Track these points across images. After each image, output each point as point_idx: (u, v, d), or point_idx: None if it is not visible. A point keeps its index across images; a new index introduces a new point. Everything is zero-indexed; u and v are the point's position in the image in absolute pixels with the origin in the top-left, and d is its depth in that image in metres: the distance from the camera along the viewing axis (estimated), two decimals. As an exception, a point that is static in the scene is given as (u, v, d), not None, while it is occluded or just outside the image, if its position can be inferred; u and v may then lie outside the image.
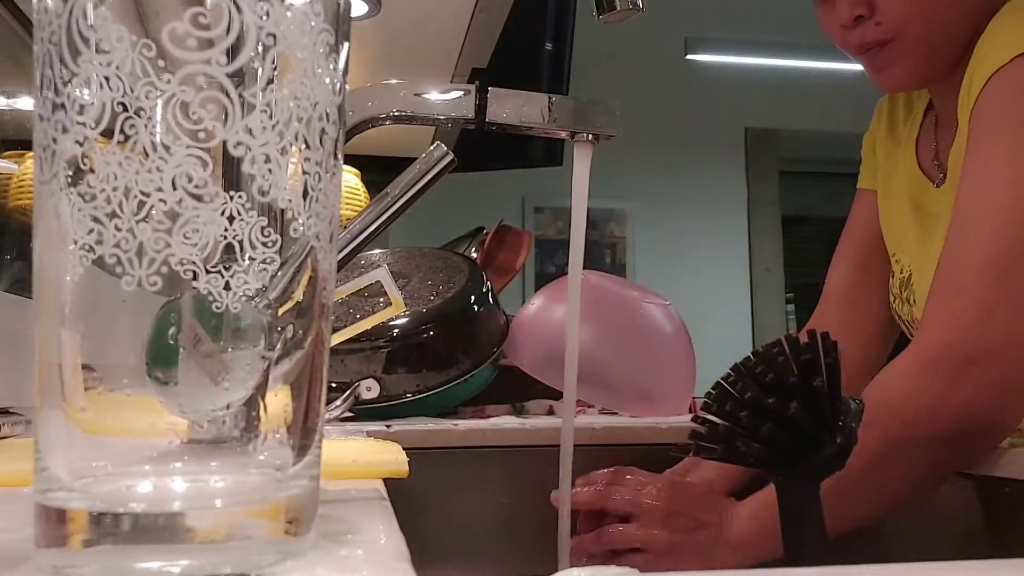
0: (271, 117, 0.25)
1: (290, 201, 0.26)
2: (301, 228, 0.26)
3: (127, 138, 0.24)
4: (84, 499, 0.24)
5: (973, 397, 0.59)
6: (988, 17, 0.71)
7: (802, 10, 1.07)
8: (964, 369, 0.59)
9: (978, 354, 0.59)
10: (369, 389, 0.95)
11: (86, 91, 0.24)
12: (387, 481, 0.44)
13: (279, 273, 0.25)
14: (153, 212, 0.24)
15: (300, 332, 0.27)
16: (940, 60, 0.77)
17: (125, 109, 0.24)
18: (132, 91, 0.24)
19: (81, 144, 0.24)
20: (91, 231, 0.24)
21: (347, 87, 0.28)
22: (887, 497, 0.63)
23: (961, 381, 0.59)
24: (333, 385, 0.95)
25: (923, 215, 0.83)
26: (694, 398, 1.05)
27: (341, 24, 0.27)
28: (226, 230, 0.24)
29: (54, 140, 0.25)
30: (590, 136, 0.88)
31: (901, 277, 0.86)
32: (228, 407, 0.25)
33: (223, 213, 0.24)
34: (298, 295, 0.26)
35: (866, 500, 0.62)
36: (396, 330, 0.98)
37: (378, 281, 0.76)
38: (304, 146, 0.26)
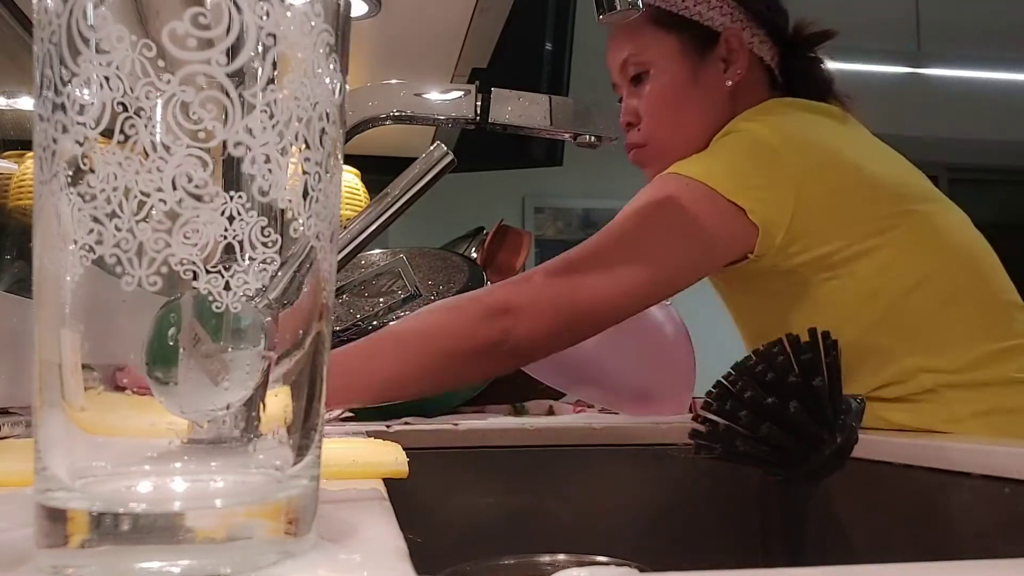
0: (271, 117, 0.25)
1: (290, 201, 0.26)
2: (301, 228, 0.26)
3: (127, 138, 0.24)
4: (84, 499, 0.24)
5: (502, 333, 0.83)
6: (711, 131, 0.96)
7: (801, 10, 1.07)
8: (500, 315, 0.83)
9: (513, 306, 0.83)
10: (369, 389, 0.95)
11: (86, 91, 0.24)
12: (387, 481, 0.44)
13: (279, 273, 0.25)
14: (153, 212, 0.24)
15: (300, 332, 0.27)
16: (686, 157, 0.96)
17: (125, 109, 0.24)
18: (132, 91, 0.24)
19: (81, 144, 0.24)
20: (91, 231, 0.24)
21: (347, 87, 0.28)
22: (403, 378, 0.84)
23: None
24: (333, 385, 0.95)
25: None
26: (694, 398, 1.05)
27: (341, 24, 0.27)
28: (226, 230, 0.24)
29: (54, 140, 0.25)
30: (592, 138, 0.88)
31: None
32: (228, 407, 0.25)
33: (223, 213, 0.24)
34: (298, 295, 0.26)
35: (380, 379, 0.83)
36: (396, 330, 0.98)
37: (386, 272, 0.78)
38: (304, 146, 0.26)
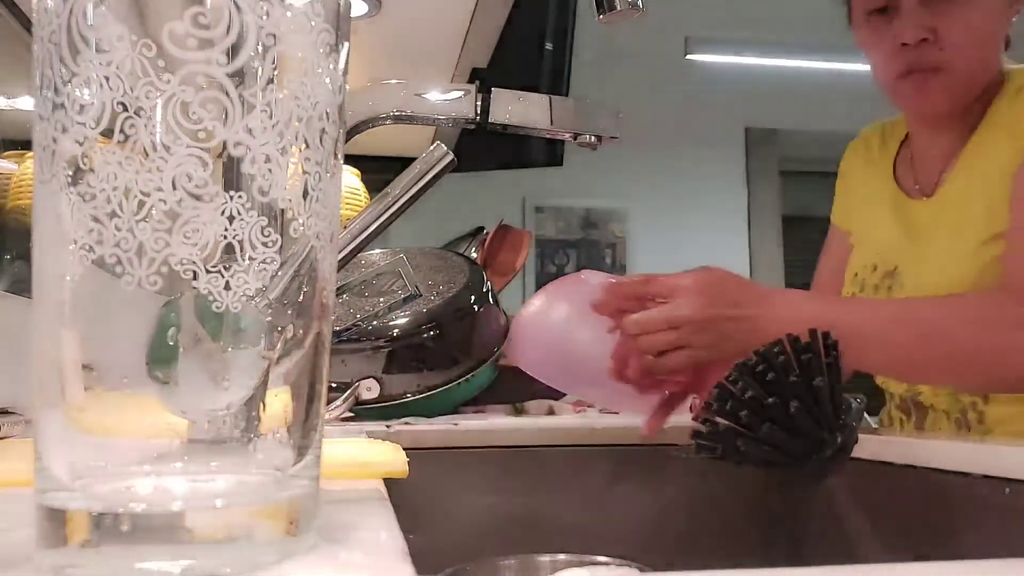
0: (271, 117, 0.25)
1: (290, 201, 0.26)
2: (301, 228, 0.26)
3: (127, 138, 0.24)
4: (84, 499, 0.24)
5: None
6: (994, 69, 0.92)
7: (802, 10, 1.07)
8: None
9: None
10: (369, 389, 0.95)
11: (86, 91, 0.24)
12: (387, 481, 0.44)
13: (279, 273, 0.25)
14: (153, 212, 0.24)
15: (300, 332, 0.27)
16: (969, 94, 0.93)
17: (125, 109, 0.24)
18: (132, 91, 0.24)
19: (81, 144, 0.24)
20: (91, 231, 0.24)
21: (347, 87, 0.28)
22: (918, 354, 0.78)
23: None
24: (333, 385, 0.95)
25: (908, 224, 1.02)
26: (694, 398, 1.05)
27: (341, 24, 0.27)
28: (226, 230, 0.24)
29: (54, 140, 0.25)
30: (593, 137, 0.88)
31: (886, 269, 1.03)
32: (228, 407, 0.25)
33: (223, 213, 0.24)
34: (298, 295, 0.26)
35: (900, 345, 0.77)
36: (396, 330, 0.98)
37: (386, 272, 0.78)
38: (304, 146, 0.26)
